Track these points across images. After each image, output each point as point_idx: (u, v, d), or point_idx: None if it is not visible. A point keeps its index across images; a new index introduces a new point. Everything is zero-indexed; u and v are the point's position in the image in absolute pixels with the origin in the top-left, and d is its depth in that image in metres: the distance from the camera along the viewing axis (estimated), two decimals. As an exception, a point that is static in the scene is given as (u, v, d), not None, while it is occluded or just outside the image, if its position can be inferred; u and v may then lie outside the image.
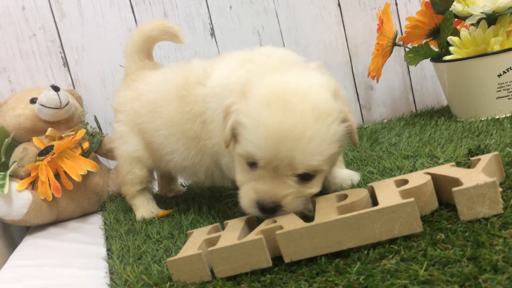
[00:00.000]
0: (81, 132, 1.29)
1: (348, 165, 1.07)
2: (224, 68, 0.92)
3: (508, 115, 1.30)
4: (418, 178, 0.73)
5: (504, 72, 1.30)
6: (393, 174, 0.93)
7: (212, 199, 1.15)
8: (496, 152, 0.74)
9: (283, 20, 1.68)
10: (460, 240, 0.61)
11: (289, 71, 0.82)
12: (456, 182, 0.68)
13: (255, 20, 1.65)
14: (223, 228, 0.83)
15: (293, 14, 1.68)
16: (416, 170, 0.91)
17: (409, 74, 1.79)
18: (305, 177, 0.77)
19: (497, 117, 1.30)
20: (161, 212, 1.12)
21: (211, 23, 1.62)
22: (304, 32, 1.70)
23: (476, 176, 0.66)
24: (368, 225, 0.67)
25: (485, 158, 0.73)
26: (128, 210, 1.18)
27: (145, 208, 1.13)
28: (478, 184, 0.63)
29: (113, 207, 1.24)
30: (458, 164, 0.86)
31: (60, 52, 1.52)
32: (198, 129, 0.94)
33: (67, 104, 1.32)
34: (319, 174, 0.78)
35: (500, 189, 0.64)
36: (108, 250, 0.96)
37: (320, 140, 0.74)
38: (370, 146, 1.22)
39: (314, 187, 0.78)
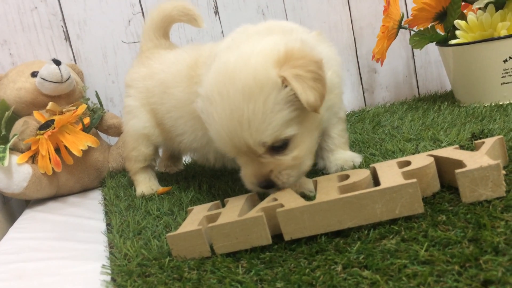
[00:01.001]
0: (82, 107, 1.28)
1: (350, 147, 1.06)
2: (228, 49, 0.91)
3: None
4: (421, 160, 0.72)
5: (510, 58, 1.29)
6: (395, 156, 0.93)
7: (212, 178, 1.15)
8: (500, 136, 0.73)
9: (288, -1, 1.66)
10: (461, 222, 0.61)
11: (244, 43, 0.79)
12: (459, 164, 0.67)
13: (260, -2, 1.63)
14: (223, 205, 0.83)
15: (298, -7, 1.65)
16: (418, 153, 0.90)
17: (414, 59, 1.77)
18: (278, 148, 0.76)
19: (501, 103, 1.29)
20: (160, 189, 1.12)
21: (215, 1, 1.60)
22: (309, 13, 1.68)
23: (480, 159, 0.66)
24: (369, 205, 0.66)
25: (489, 142, 0.72)
26: (128, 186, 1.18)
27: (146, 185, 1.13)
28: (481, 167, 0.63)
29: (113, 183, 1.24)
30: (462, 148, 0.86)
31: (62, 26, 1.50)
32: None
33: (68, 78, 1.31)
34: (289, 140, 0.76)
35: (504, 172, 0.64)
36: (108, 225, 0.96)
37: (260, 117, 0.72)
38: (372, 129, 1.21)
39: (291, 152, 0.77)
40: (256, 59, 0.75)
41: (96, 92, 1.42)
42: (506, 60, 1.29)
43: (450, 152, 0.73)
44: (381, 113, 1.43)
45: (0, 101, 1.30)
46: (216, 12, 1.61)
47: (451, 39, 1.38)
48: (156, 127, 1.09)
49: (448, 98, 1.49)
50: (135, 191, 1.14)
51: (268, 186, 0.78)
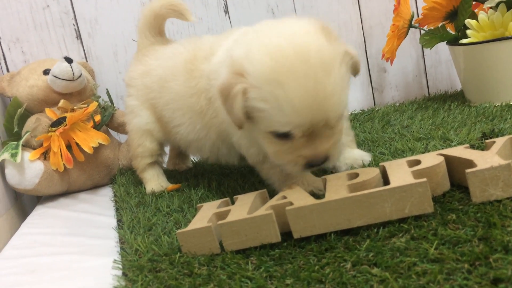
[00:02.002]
0: (93, 105, 1.29)
1: (360, 146, 1.07)
2: (226, 46, 0.91)
3: None
4: (431, 159, 0.72)
5: (522, 58, 1.28)
6: (404, 155, 0.93)
7: (222, 176, 1.15)
8: (511, 136, 0.73)
9: (298, -2, 1.66)
10: (471, 220, 0.61)
11: (269, 29, 0.79)
12: (470, 163, 0.67)
13: (270, -3, 1.63)
14: (233, 202, 0.84)
15: (308, -8, 1.66)
16: (428, 152, 0.90)
17: (424, 58, 1.77)
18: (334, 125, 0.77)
19: (511, 103, 1.28)
20: (170, 186, 1.13)
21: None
22: (319, 11, 1.68)
23: (491, 158, 0.66)
24: (378, 203, 0.67)
25: (500, 141, 0.72)
26: (138, 183, 1.19)
27: (155, 182, 1.14)
28: (492, 166, 0.63)
29: (123, 180, 1.25)
30: (472, 147, 0.86)
31: (74, 24, 1.51)
32: (203, 104, 0.94)
33: (79, 76, 1.32)
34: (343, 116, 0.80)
35: (514, 172, 0.64)
36: (119, 221, 0.97)
37: (339, 89, 0.73)
38: (382, 128, 1.21)
39: (341, 129, 0.80)
40: (313, 37, 0.74)
41: (107, 90, 1.44)
42: (518, 60, 1.29)
43: (460, 151, 0.73)
44: (391, 112, 1.43)
45: (13, 98, 1.31)
46: (226, 11, 1.61)
47: (461, 38, 1.38)
48: (156, 123, 1.10)
49: (458, 97, 1.48)
50: (145, 188, 1.15)
51: (323, 162, 0.78)
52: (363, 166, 0.94)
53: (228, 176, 1.14)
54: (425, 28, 1.51)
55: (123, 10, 1.53)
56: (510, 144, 0.73)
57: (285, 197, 0.76)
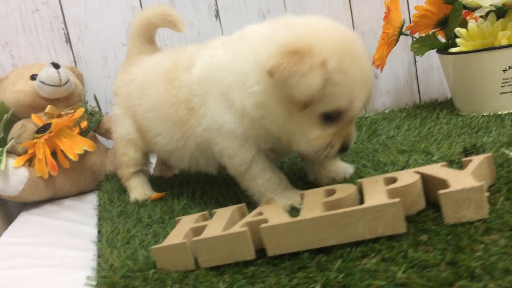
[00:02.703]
0: (80, 111, 1.29)
1: (344, 156, 1.07)
2: (205, 55, 0.92)
3: (511, 111, 1.28)
4: (407, 177, 0.72)
5: (510, 67, 1.28)
6: (386, 169, 0.92)
7: (206, 184, 1.15)
8: (488, 154, 0.73)
9: (290, 3, 1.65)
10: (442, 243, 0.61)
11: (312, 19, 0.83)
12: (444, 183, 0.67)
13: (261, 2, 1.63)
14: (212, 216, 0.83)
15: (300, -2, 1.65)
16: (409, 166, 0.90)
17: (415, 64, 1.76)
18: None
19: (499, 112, 1.28)
20: (154, 194, 1.12)
21: (216, 4, 1.60)
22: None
23: (464, 179, 0.65)
24: (352, 223, 0.66)
25: (476, 160, 0.72)
26: (123, 191, 1.19)
27: (139, 190, 1.14)
28: (464, 188, 0.63)
29: (109, 187, 1.25)
30: (451, 163, 0.86)
31: (63, 28, 1.51)
32: (182, 114, 0.94)
33: (67, 82, 1.32)
34: None
35: (487, 194, 0.63)
36: (99, 231, 0.97)
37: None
38: (368, 138, 1.21)
39: None
40: (339, 27, 0.81)
41: (94, 95, 1.43)
42: (506, 70, 1.28)
43: (437, 169, 0.73)
44: (379, 120, 1.43)
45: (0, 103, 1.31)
46: (217, 15, 1.61)
47: (452, 46, 1.37)
48: (137, 132, 1.10)
49: (448, 105, 1.48)
50: (129, 196, 1.15)
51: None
52: (345, 179, 0.94)
53: (212, 185, 1.14)
54: (416, 35, 1.51)
55: (113, 14, 1.53)
56: (487, 163, 0.72)
57: (261, 213, 0.75)
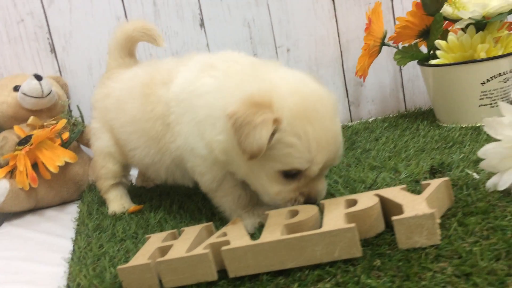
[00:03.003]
0: (62, 122, 1.30)
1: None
2: (187, 73, 0.93)
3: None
4: (367, 200, 0.73)
5: (488, 80, 1.29)
6: (355, 186, 0.94)
7: (185, 196, 1.17)
8: (446, 178, 0.74)
9: (275, 12, 1.66)
10: (393, 269, 0.62)
11: (285, 74, 0.85)
12: (400, 208, 0.68)
13: (246, 11, 1.64)
14: (180, 234, 0.85)
15: (285, 6, 1.66)
16: (376, 185, 0.92)
17: (401, 72, 1.77)
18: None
19: (478, 124, 1.29)
20: (132, 207, 1.14)
21: (201, 13, 1.61)
22: (296, 26, 1.68)
23: (418, 205, 0.67)
24: (309, 247, 0.68)
25: (434, 184, 0.73)
26: (103, 202, 1.21)
27: (117, 203, 1.15)
28: (416, 215, 0.64)
29: (90, 198, 1.27)
30: (417, 183, 0.87)
31: (48, 38, 1.52)
32: (158, 130, 0.95)
33: (49, 93, 1.33)
34: None
35: (438, 221, 0.65)
36: (75, 244, 0.98)
37: (341, 131, 0.83)
38: (345, 151, 1.22)
39: None
40: (318, 85, 0.83)
41: (77, 106, 1.45)
42: (484, 83, 1.29)
43: (395, 193, 0.74)
44: (361, 131, 1.44)
45: (-17, 114, 1.33)
46: (202, 25, 1.62)
47: (434, 57, 1.38)
48: (115, 145, 1.11)
49: (430, 115, 1.49)
50: (108, 208, 1.16)
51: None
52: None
53: (190, 197, 1.15)
54: (399, 45, 1.52)
55: (98, 24, 1.54)
56: (445, 187, 0.74)
57: (225, 234, 0.77)
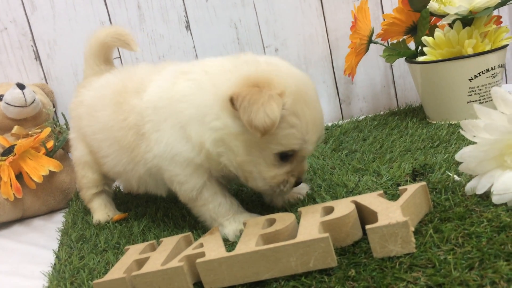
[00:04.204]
0: (46, 131, 1.29)
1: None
2: (161, 82, 0.91)
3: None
4: (343, 208, 0.72)
5: (476, 76, 1.27)
6: (338, 190, 0.92)
7: (171, 203, 1.16)
8: (423, 183, 0.73)
9: (261, 12, 1.64)
10: (367, 280, 0.61)
11: (269, 59, 0.87)
12: (375, 216, 0.67)
13: (232, 12, 1.62)
14: (159, 244, 0.84)
15: (271, 6, 1.64)
16: (358, 189, 0.90)
17: (392, 68, 1.75)
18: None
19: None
20: (116, 216, 1.13)
21: (186, 15, 1.60)
22: (283, 25, 1.67)
23: (393, 213, 0.65)
24: (284, 257, 0.67)
25: (411, 189, 0.72)
26: (89, 211, 1.20)
27: (101, 212, 1.14)
28: (390, 224, 0.63)
29: (76, 207, 1.26)
30: (398, 186, 0.86)
31: (32, 46, 1.51)
32: (131, 140, 0.93)
33: (32, 101, 1.32)
34: None
35: (412, 229, 0.63)
36: (57, 257, 0.98)
37: None
38: (331, 153, 1.21)
39: None
40: (296, 71, 0.87)
41: (62, 113, 1.44)
42: (472, 79, 1.28)
43: (371, 200, 0.73)
44: (349, 130, 1.42)
45: (-32, 124, 1.32)
46: (188, 27, 1.60)
47: (422, 53, 1.36)
48: (90, 154, 1.10)
49: (420, 112, 1.47)
50: (92, 217, 1.15)
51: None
52: (299, 200, 0.94)
53: (176, 203, 1.14)
54: (387, 42, 1.50)
55: (82, 30, 1.53)
56: (422, 191, 0.72)
57: (202, 245, 0.76)
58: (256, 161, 0.83)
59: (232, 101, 0.78)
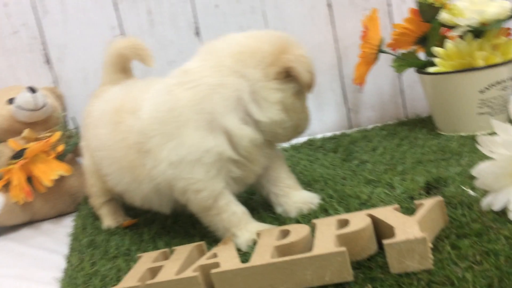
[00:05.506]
0: (56, 135, 1.30)
1: (313, 184, 1.07)
2: (154, 98, 0.91)
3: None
4: (359, 221, 0.72)
5: (487, 89, 1.27)
6: (350, 201, 0.92)
7: (180, 210, 1.15)
8: (440, 198, 0.73)
9: (271, 20, 1.65)
10: (384, 296, 0.61)
11: None
12: (391, 230, 0.67)
13: (242, 19, 1.63)
14: (172, 253, 0.84)
15: (281, 14, 1.65)
16: (371, 201, 0.90)
17: (400, 78, 1.75)
18: None
19: (477, 133, 1.27)
20: (126, 221, 1.13)
21: (196, 22, 1.60)
22: (292, 33, 1.62)
23: (410, 228, 0.65)
24: (300, 270, 0.67)
25: (428, 204, 0.72)
26: (98, 216, 1.20)
27: (111, 217, 1.14)
28: (407, 239, 0.63)
29: (85, 211, 1.26)
30: (412, 199, 0.86)
31: (43, 49, 1.52)
32: (133, 158, 0.92)
33: (44, 105, 1.33)
34: None
35: (430, 245, 0.63)
36: (68, 262, 0.98)
37: None
38: (341, 162, 1.21)
39: None
40: None
41: (72, 118, 1.44)
42: (483, 91, 1.28)
43: (388, 213, 0.73)
44: (359, 140, 1.42)
45: (-23, 128, 1.32)
46: (197, 33, 1.61)
47: (432, 63, 1.36)
48: (94, 164, 1.09)
49: (429, 123, 1.47)
50: (102, 223, 1.15)
51: None
52: (311, 210, 0.94)
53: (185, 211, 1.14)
54: (397, 52, 1.50)
55: (93, 34, 1.53)
56: (438, 206, 0.72)
57: (216, 255, 0.76)
58: (304, 107, 0.95)
59: (289, 70, 0.89)
